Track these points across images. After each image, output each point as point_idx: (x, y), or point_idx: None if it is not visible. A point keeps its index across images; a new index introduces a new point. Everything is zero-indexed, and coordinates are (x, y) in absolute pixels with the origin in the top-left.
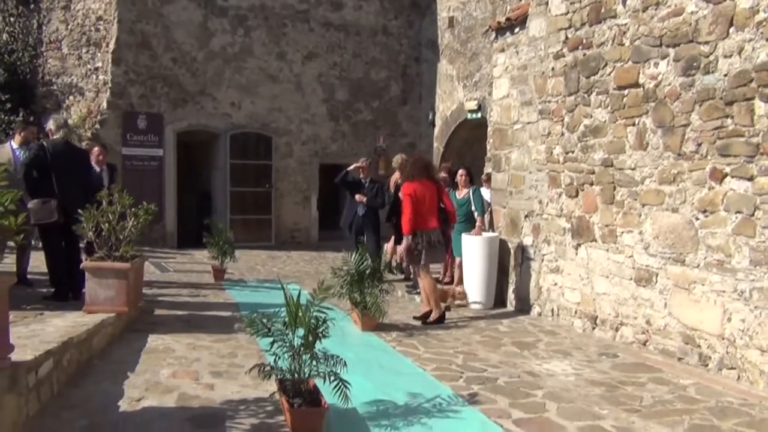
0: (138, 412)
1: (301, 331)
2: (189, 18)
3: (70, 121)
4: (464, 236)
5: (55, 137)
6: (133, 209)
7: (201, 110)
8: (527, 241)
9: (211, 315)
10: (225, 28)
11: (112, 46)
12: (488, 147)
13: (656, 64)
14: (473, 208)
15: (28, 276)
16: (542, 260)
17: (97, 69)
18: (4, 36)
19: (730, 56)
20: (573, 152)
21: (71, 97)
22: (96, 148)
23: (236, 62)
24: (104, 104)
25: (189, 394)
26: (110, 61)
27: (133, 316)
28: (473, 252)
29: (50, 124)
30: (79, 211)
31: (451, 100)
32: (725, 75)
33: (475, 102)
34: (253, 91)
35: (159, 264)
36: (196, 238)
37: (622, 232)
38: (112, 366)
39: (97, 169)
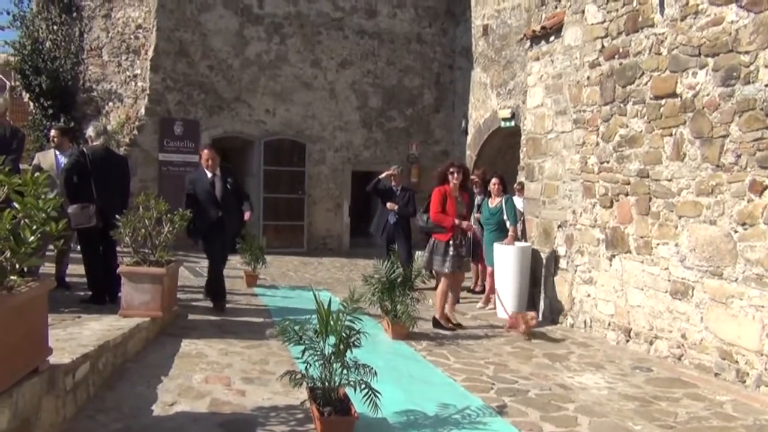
0: (171, 416)
1: (332, 339)
2: (226, 26)
3: (109, 127)
4: (496, 245)
5: (95, 143)
6: (168, 215)
7: (236, 117)
8: (560, 251)
9: (244, 321)
10: (261, 36)
11: (150, 53)
12: (521, 156)
13: (694, 74)
14: (506, 217)
15: (67, 279)
16: (575, 271)
17: (135, 76)
18: (48, 43)
19: None
20: (608, 162)
21: (110, 104)
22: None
23: (271, 69)
24: (142, 110)
25: (221, 399)
26: (149, 68)
27: (168, 320)
28: (505, 261)
29: (90, 131)
30: (117, 216)
31: (484, 108)
32: (766, 85)
33: (509, 110)
34: (287, 98)
35: (193, 269)
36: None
37: (658, 244)
38: (146, 370)
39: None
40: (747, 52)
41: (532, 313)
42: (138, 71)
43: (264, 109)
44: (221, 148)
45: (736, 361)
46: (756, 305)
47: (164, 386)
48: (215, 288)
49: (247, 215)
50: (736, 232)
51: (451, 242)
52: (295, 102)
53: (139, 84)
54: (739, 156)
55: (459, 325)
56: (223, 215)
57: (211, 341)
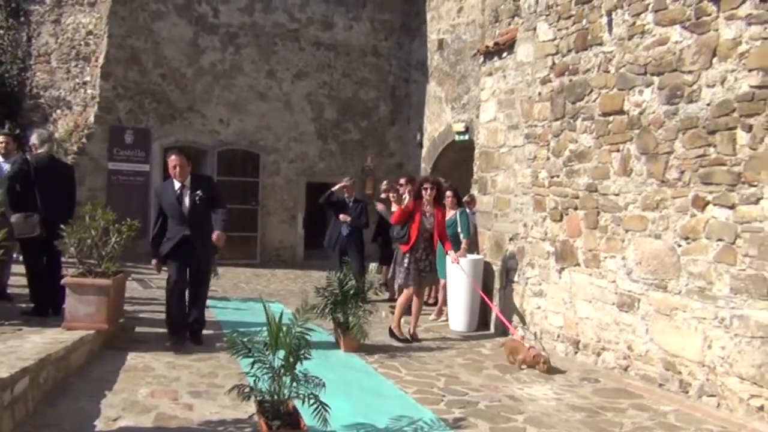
0: (114, 431)
1: (282, 352)
2: (179, 34)
3: (56, 135)
4: (449, 258)
5: (39, 151)
6: (116, 225)
7: (189, 126)
8: (511, 264)
9: None
10: (215, 46)
11: (101, 60)
12: (475, 169)
13: (641, 92)
14: (459, 229)
15: (8, 290)
16: (526, 283)
17: (85, 83)
18: None
19: (713, 86)
20: (558, 176)
21: (59, 111)
22: None
23: (226, 79)
24: (91, 118)
25: (167, 414)
26: (99, 75)
27: (113, 333)
28: (458, 274)
29: (34, 139)
30: (62, 226)
31: (439, 121)
32: (708, 104)
33: (463, 124)
34: (242, 108)
35: (142, 280)
36: None
37: (606, 257)
38: (89, 384)
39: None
40: (690, 72)
41: (542, 355)
42: (88, 78)
43: (218, 119)
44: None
45: (680, 372)
46: (698, 317)
47: (108, 401)
48: (175, 320)
49: (215, 235)
50: (679, 246)
51: (409, 254)
52: (250, 112)
53: (89, 91)
54: (682, 172)
55: (409, 340)
56: (192, 234)
57: (158, 354)
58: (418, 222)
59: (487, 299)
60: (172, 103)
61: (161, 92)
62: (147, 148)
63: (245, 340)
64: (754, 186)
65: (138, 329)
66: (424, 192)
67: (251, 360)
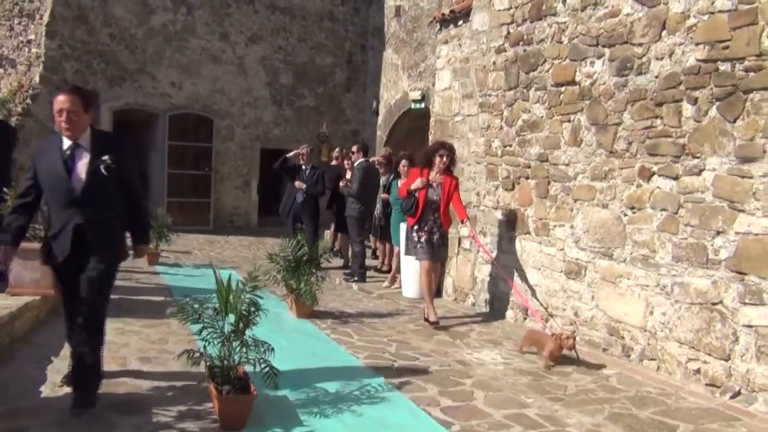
0: (60, 397)
1: (232, 317)
2: None
3: None
4: (403, 225)
5: None
6: None
7: (139, 89)
8: (464, 232)
9: (143, 299)
10: (166, 6)
11: (46, 18)
12: (430, 138)
13: (592, 63)
14: None
15: None
16: (478, 251)
17: (29, 41)
18: None
19: (662, 59)
20: (511, 146)
21: (1, 70)
22: None
23: (178, 41)
24: (36, 78)
25: (115, 380)
26: (44, 34)
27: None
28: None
29: None
30: (4, 189)
31: (395, 89)
32: (656, 77)
33: (419, 92)
34: (194, 71)
35: None
36: None
37: (555, 226)
38: (35, 350)
39: None
40: (640, 44)
41: (568, 332)
42: (32, 36)
43: (169, 82)
44: (124, 120)
45: (623, 337)
46: (641, 284)
47: (54, 367)
48: (79, 375)
49: (136, 251)
50: (625, 215)
51: (416, 227)
52: (203, 76)
53: (33, 50)
54: (630, 143)
55: (438, 324)
56: (86, 224)
57: (107, 320)
58: (424, 194)
59: (520, 294)
60: (122, 64)
61: (110, 53)
62: (96, 110)
63: (195, 305)
64: (697, 158)
65: None
66: (438, 159)
67: (201, 326)
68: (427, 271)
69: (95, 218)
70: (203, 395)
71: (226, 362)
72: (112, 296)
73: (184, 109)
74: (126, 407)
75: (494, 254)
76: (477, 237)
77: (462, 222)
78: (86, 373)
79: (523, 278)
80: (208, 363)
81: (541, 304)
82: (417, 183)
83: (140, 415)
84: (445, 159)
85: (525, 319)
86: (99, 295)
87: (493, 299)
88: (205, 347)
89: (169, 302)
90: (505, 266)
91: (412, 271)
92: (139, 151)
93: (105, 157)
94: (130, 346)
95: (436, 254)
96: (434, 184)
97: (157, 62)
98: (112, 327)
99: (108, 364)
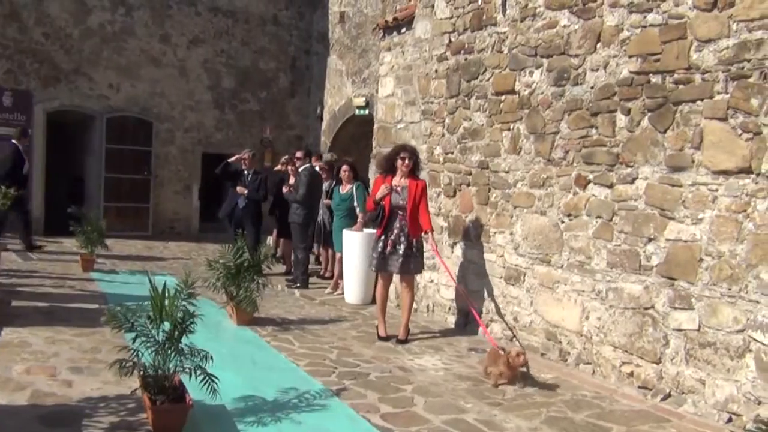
0: None
1: (168, 325)
2: None
3: None
4: (345, 231)
5: None
6: None
7: (75, 90)
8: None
9: (76, 307)
10: (104, 5)
11: None
12: (373, 144)
13: (531, 73)
14: (356, 203)
15: None
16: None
17: None
18: None
19: (597, 70)
20: (452, 153)
21: None
22: None
23: (116, 42)
24: None
25: (43, 391)
26: None
27: None
28: (354, 247)
29: None
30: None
31: (339, 95)
32: (592, 87)
33: (363, 99)
34: (133, 73)
35: (22, 252)
36: (67, 225)
37: (495, 233)
38: None
39: None
40: (577, 56)
41: (518, 348)
42: None
43: (107, 84)
44: (58, 122)
45: (560, 342)
46: (578, 290)
47: None
48: None
49: None
50: (562, 222)
51: (382, 236)
52: (142, 78)
53: None
54: (567, 152)
55: (386, 339)
56: None
57: (36, 329)
58: (389, 200)
59: (478, 319)
60: (57, 64)
61: (44, 52)
62: (28, 111)
63: (128, 313)
64: (631, 166)
65: (15, 303)
66: (400, 162)
67: (134, 334)
68: (379, 288)
69: None
70: (137, 406)
71: (160, 371)
72: (42, 304)
73: (122, 112)
74: (53, 419)
75: (435, 260)
76: (439, 253)
77: (425, 232)
78: None
79: (463, 284)
80: (141, 372)
81: (481, 310)
82: (381, 190)
83: (69, 427)
84: (407, 161)
85: (466, 324)
86: None
87: (435, 305)
88: (138, 356)
89: (104, 310)
90: (446, 272)
91: (354, 277)
92: (75, 153)
93: None
94: (61, 356)
95: (395, 266)
96: (399, 188)
97: (94, 63)
98: (42, 336)
99: (35, 375)
